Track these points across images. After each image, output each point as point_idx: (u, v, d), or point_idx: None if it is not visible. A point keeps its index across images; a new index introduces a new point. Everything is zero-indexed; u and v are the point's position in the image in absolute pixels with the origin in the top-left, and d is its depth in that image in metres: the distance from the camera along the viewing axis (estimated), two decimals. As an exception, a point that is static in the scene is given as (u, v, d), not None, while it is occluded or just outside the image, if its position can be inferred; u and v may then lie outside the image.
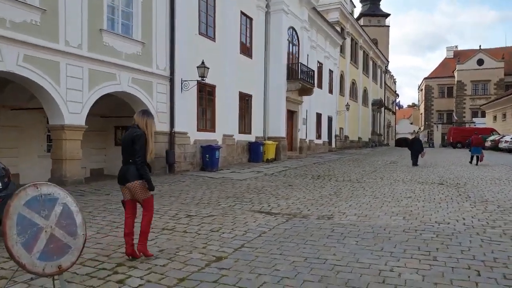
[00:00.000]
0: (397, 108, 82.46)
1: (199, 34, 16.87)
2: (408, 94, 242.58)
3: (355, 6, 49.67)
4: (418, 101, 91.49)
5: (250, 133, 21.48)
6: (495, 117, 52.05)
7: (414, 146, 20.79)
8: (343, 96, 40.14)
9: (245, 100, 21.03)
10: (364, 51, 49.02)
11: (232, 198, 9.87)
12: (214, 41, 17.95)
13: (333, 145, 36.97)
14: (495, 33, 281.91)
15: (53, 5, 10.69)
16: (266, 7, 22.57)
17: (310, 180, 13.89)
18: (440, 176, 15.17)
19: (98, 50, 12.11)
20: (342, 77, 40.10)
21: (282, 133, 23.50)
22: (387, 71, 65.98)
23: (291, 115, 26.14)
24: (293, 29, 25.23)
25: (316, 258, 5.10)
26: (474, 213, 7.95)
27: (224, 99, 18.51)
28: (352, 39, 43.44)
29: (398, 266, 4.73)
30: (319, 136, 32.80)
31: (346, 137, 42.01)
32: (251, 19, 21.34)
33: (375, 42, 57.16)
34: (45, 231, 3.26)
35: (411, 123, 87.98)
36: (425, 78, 76.35)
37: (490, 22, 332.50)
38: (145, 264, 4.75)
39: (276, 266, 4.78)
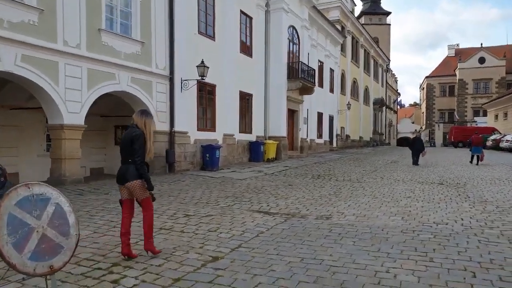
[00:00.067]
0: (398, 107, 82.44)
1: (198, 33, 16.86)
2: (410, 93, 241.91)
3: (355, 5, 49.61)
4: (420, 100, 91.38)
5: (250, 132, 21.48)
6: (496, 116, 51.87)
7: (415, 146, 20.78)
8: (344, 95, 40.08)
9: (245, 100, 21.02)
10: (365, 50, 48.94)
11: (231, 197, 9.86)
12: (214, 40, 17.94)
13: (334, 144, 36.93)
14: (497, 31, 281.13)
15: (51, 5, 10.69)
16: (266, 6, 22.55)
17: (310, 179, 13.87)
18: (440, 175, 15.15)
19: (97, 49, 12.11)
20: (343, 76, 40.04)
21: (283, 132, 23.49)
22: (388, 70, 65.87)
23: (292, 115, 26.12)
24: (293, 28, 25.20)
25: (313, 258, 5.09)
26: (472, 214, 7.93)
27: (225, 99, 18.50)
28: (353, 38, 43.37)
29: (394, 267, 4.72)
30: (320, 136, 32.76)
31: (347, 136, 41.97)
32: (251, 18, 21.31)
33: (376, 40, 57.07)
34: (37, 231, 3.26)
35: (413, 122, 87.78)
36: (427, 77, 76.12)
37: (492, 20, 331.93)
38: (140, 264, 4.75)
39: (272, 266, 4.77)
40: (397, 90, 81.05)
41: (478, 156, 20.28)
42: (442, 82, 72.96)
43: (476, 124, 55.07)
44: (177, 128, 15.21)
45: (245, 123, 21.06)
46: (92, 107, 12.18)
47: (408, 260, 4.99)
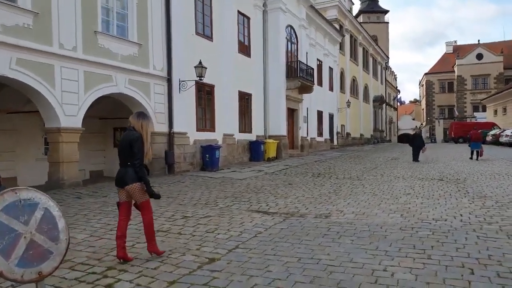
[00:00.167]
0: (398, 104, 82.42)
1: (196, 34, 16.85)
2: (410, 90, 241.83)
3: (353, 3, 49.52)
4: (420, 96, 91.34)
5: (250, 132, 21.46)
6: (495, 111, 51.92)
7: (415, 142, 20.82)
8: (344, 93, 40.05)
9: (244, 99, 20.99)
10: (363, 48, 48.90)
11: (231, 198, 9.82)
12: (212, 41, 17.91)
13: (335, 142, 36.89)
14: (495, 28, 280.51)
15: (45, 8, 10.66)
16: (263, 6, 22.55)
17: (310, 178, 13.83)
18: (441, 171, 15.10)
19: (94, 52, 12.08)
20: (342, 74, 40.01)
21: (283, 131, 23.48)
22: (387, 67, 65.84)
23: (292, 113, 26.10)
24: (291, 27, 25.18)
25: (310, 258, 5.04)
26: (472, 209, 7.88)
27: (224, 99, 18.48)
28: (351, 36, 43.34)
29: (391, 266, 4.67)
30: (320, 134, 32.73)
31: (348, 134, 41.93)
32: (248, 18, 21.29)
33: (374, 39, 57.04)
34: (24, 236, 3.21)
35: (413, 119, 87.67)
36: (426, 74, 76.24)
37: (490, 16, 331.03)
38: (136, 268, 4.71)
39: (268, 267, 4.73)
40: (397, 87, 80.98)
41: (477, 152, 20.27)
42: (441, 78, 73.04)
43: (476, 120, 55.10)
44: (176, 129, 15.18)
45: (245, 123, 21.03)
46: (90, 109, 12.15)
47: (406, 258, 4.94)
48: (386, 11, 74.30)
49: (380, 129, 57.66)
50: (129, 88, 13.32)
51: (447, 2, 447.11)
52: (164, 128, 14.89)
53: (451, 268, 4.55)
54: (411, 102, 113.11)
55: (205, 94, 17.45)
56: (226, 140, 18.72)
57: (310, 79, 26.26)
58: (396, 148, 37.07)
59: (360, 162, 20.36)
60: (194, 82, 15.65)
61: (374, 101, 53.48)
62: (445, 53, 76.26)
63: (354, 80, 44.70)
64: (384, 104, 59.97)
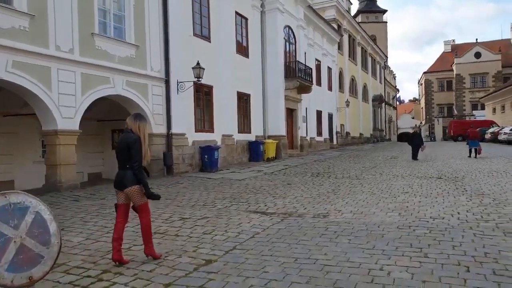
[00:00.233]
0: (397, 103, 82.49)
1: (193, 35, 16.84)
2: (409, 89, 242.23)
3: (351, 3, 49.61)
4: (419, 95, 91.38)
5: (249, 132, 21.45)
6: (494, 109, 52.05)
7: (414, 141, 20.91)
8: (343, 92, 40.07)
9: (243, 100, 20.99)
10: (362, 48, 48.91)
11: (229, 199, 9.80)
12: (210, 42, 17.91)
13: (335, 142, 36.90)
14: (495, 27, 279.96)
15: (42, 10, 10.64)
16: (261, 6, 22.56)
17: (309, 178, 13.81)
18: (439, 170, 15.09)
19: (91, 54, 12.06)
20: (341, 74, 40.02)
21: (282, 131, 23.48)
22: (386, 67, 65.92)
23: (291, 113, 26.11)
24: (289, 27, 25.20)
25: (307, 258, 5.03)
26: (469, 207, 7.87)
27: (222, 99, 18.47)
28: (349, 36, 43.35)
29: (388, 265, 4.66)
30: (320, 133, 32.74)
31: (348, 133, 41.93)
32: (246, 19, 21.29)
33: (373, 38, 57.12)
34: (14, 241, 3.18)
35: (413, 118, 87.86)
36: (424, 73, 76.52)
37: (490, 15, 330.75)
38: (131, 270, 4.68)
39: (265, 268, 4.70)
40: (396, 86, 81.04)
41: (476, 149, 20.30)
42: (440, 77, 73.24)
43: (475, 118, 55.28)
44: (174, 130, 15.16)
45: (244, 123, 21.02)
46: (87, 111, 12.12)
47: (402, 257, 4.93)
48: (384, 11, 74.55)
49: (379, 128, 57.70)
50: (126, 90, 13.30)
51: (447, 1, 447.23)
52: (163, 130, 14.87)
53: (447, 266, 4.54)
54: (410, 101, 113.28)
55: (203, 95, 17.43)
56: (225, 141, 18.70)
57: (308, 79, 26.27)
58: (396, 147, 37.06)
59: (359, 161, 20.35)
60: (192, 83, 15.63)
61: (373, 100, 53.52)
62: (443, 52, 76.48)
63: (353, 80, 44.71)
64: (383, 103, 60.00)
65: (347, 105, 38.92)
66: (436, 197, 9.21)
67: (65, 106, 11.29)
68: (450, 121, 54.66)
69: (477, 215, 7.15)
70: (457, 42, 77.60)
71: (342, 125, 40.12)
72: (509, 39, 70.06)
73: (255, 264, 4.85)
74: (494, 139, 34.72)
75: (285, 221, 7.20)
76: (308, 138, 29.08)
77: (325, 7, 37.35)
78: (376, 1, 75.47)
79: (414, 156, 20.31)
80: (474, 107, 64.38)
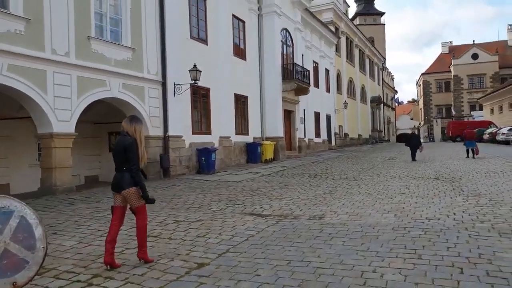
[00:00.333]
0: (396, 104, 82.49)
1: (190, 38, 16.83)
2: (408, 90, 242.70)
3: (349, 6, 49.72)
4: (417, 96, 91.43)
5: (247, 134, 21.42)
6: (492, 110, 52.18)
7: (412, 142, 20.95)
8: (341, 94, 40.11)
9: (241, 102, 20.97)
10: (360, 50, 48.97)
11: (225, 201, 9.76)
12: (207, 45, 17.90)
13: (333, 143, 36.87)
14: (493, 29, 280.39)
15: (38, 14, 10.60)
16: (258, 9, 22.56)
17: (306, 179, 13.78)
18: (437, 170, 15.07)
19: (87, 57, 12.03)
20: (338, 76, 40.05)
21: (280, 133, 23.45)
22: (384, 68, 65.99)
23: (289, 115, 26.09)
24: (287, 30, 25.22)
25: (300, 261, 4.99)
26: (465, 208, 7.85)
27: (219, 101, 18.44)
28: (347, 38, 43.41)
29: (381, 267, 4.62)
30: (318, 135, 32.71)
31: (346, 134, 41.92)
32: (243, 22, 21.30)
33: (371, 40, 57.23)
34: (-3, 246, 3.15)
35: (412, 119, 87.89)
36: (423, 74, 76.71)
37: (489, 18, 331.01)
38: (122, 274, 4.63)
39: (257, 271, 4.67)
40: (394, 87, 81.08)
41: (473, 150, 20.31)
42: (438, 78, 73.47)
43: (473, 118, 55.37)
44: (171, 132, 15.11)
45: (242, 125, 21.01)
46: (84, 114, 12.09)
47: (396, 259, 4.90)
48: (382, 13, 74.87)
49: (378, 129, 57.72)
50: (123, 93, 13.26)
51: (445, 3, 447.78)
52: (159, 132, 14.83)
53: (441, 267, 4.51)
54: (409, 102, 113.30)
55: (200, 97, 17.41)
56: (223, 143, 18.67)
57: (306, 81, 26.29)
58: (394, 148, 37.03)
59: (357, 162, 20.33)
60: (189, 86, 15.60)
61: (371, 101, 53.54)
62: (441, 54, 76.74)
63: (351, 81, 44.73)
64: (382, 104, 60.02)
65: (345, 107, 38.93)
66: (433, 198, 9.19)
67: (61, 109, 11.25)
68: (449, 121, 54.77)
69: (473, 215, 7.12)
70: (455, 43, 77.87)
71: (340, 126, 40.12)
72: (506, 41, 70.33)
73: (247, 267, 4.81)
74: (492, 140, 34.74)
75: (280, 223, 7.16)
76: (306, 139, 29.07)
77: (322, 10, 37.42)
78: (374, 4, 75.73)
79: (412, 157, 20.33)
80: (472, 107, 64.50)
